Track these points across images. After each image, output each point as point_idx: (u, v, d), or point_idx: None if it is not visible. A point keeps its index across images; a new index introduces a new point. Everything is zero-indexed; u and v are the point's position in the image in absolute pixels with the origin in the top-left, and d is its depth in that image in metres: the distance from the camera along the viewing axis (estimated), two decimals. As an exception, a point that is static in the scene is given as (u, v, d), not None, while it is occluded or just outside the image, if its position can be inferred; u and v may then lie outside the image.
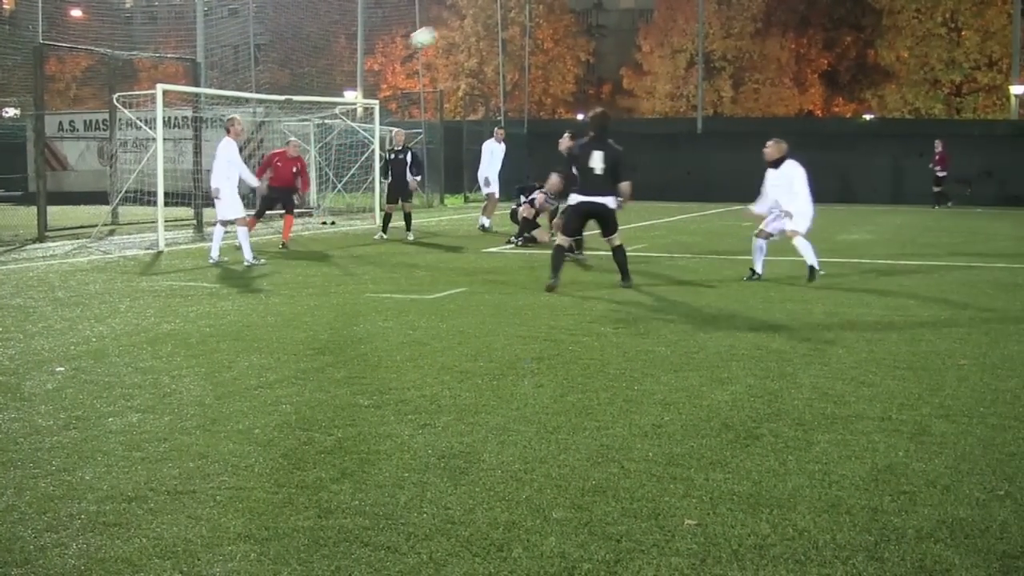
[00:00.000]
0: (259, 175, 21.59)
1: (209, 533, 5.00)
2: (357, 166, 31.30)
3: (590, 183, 14.21)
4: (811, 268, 15.24)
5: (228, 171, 17.96)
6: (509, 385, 8.23)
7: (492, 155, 26.46)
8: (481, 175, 26.81)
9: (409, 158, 23.23)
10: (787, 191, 15.46)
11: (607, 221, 14.40)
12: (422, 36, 16.71)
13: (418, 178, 24.26)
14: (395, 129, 24.90)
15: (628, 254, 14.70)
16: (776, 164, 15.62)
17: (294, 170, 21.27)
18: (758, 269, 15.59)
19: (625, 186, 14.39)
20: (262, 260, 17.86)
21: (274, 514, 5.26)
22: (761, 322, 11.56)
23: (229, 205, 18.07)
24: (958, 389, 8.20)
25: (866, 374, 8.75)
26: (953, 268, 17.17)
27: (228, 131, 18.28)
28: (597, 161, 14.10)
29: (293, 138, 23.87)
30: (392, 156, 23.21)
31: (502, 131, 27.49)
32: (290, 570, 4.59)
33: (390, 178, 23.35)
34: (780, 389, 8.15)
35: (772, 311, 12.42)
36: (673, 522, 5.20)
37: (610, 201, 14.25)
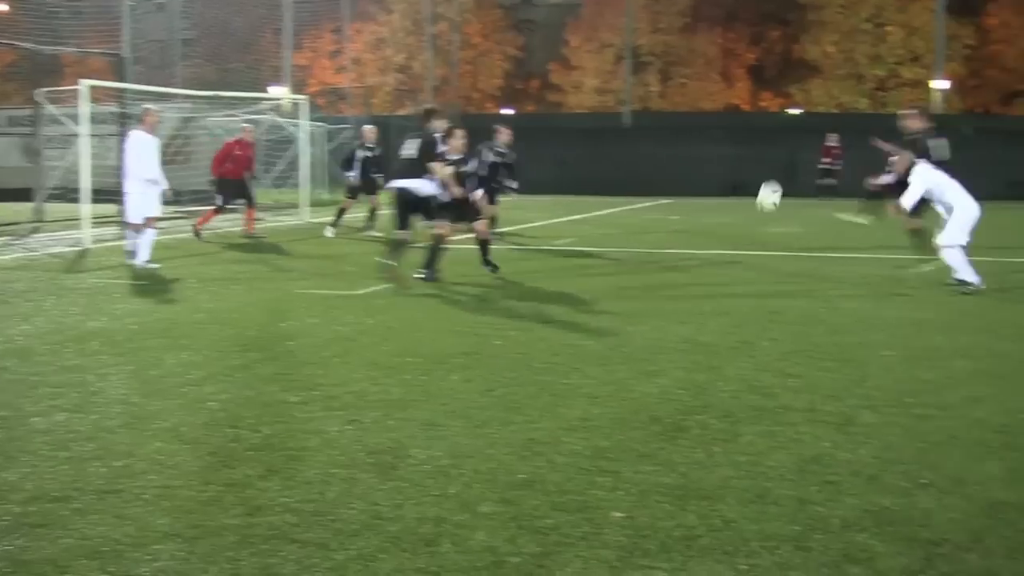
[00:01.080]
0: (219, 165, 21.66)
1: (136, 532, 4.96)
2: (283, 161, 31.14)
3: (401, 168, 14.47)
4: (960, 282, 13.53)
5: (138, 167, 15.96)
6: (436, 380, 8.24)
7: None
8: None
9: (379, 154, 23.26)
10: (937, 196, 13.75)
11: (421, 206, 14.41)
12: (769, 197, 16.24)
13: (380, 175, 24.19)
14: (366, 126, 24.68)
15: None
16: None
17: (250, 156, 21.46)
18: (967, 278, 13.50)
19: (436, 167, 14.20)
20: (157, 265, 16.06)
21: (202, 512, 5.23)
22: (688, 315, 11.64)
23: (137, 206, 16.13)
24: (882, 380, 8.32)
25: (792, 366, 8.85)
26: (879, 261, 17.35)
27: (143, 122, 16.47)
28: (410, 148, 14.43)
29: (247, 124, 23.77)
30: (369, 154, 23.09)
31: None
32: (218, 568, 4.57)
33: (354, 172, 23.19)
34: (707, 381, 8.22)
35: (698, 304, 12.51)
36: (601, 515, 5.23)
37: (417, 184, 14.24)
